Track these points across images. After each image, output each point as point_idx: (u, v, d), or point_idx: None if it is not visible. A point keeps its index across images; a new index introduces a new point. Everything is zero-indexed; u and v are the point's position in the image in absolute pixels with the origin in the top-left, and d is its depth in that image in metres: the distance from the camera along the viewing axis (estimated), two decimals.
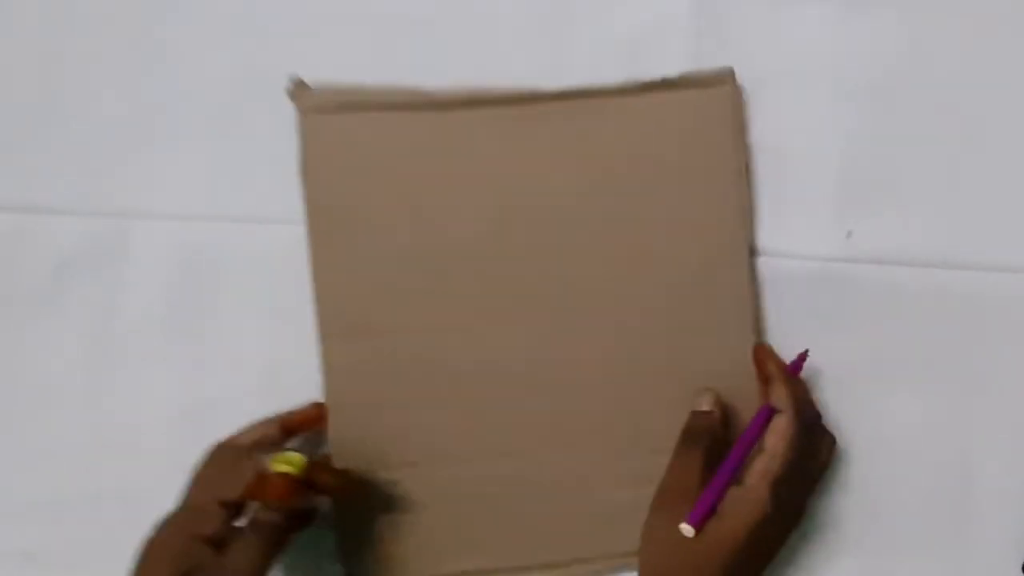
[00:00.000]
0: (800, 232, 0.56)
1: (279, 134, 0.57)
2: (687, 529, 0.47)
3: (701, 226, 0.55)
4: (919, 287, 0.55)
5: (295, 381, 0.55)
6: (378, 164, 0.55)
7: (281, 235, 0.57)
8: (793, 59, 0.56)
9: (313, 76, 0.57)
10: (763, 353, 0.53)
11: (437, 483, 0.55)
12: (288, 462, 0.48)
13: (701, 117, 0.55)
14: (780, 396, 0.51)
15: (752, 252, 0.56)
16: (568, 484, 0.55)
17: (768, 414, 0.51)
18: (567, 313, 0.55)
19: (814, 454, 0.52)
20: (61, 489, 0.57)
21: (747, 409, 0.55)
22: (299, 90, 0.55)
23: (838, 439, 0.55)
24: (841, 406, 0.55)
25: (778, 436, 0.50)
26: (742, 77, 0.56)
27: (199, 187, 0.57)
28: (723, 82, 0.55)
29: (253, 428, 0.53)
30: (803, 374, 0.54)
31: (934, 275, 0.55)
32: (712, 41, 0.56)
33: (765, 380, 0.53)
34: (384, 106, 0.55)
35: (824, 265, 0.55)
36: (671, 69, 0.56)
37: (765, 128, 0.56)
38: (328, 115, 0.55)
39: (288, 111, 0.57)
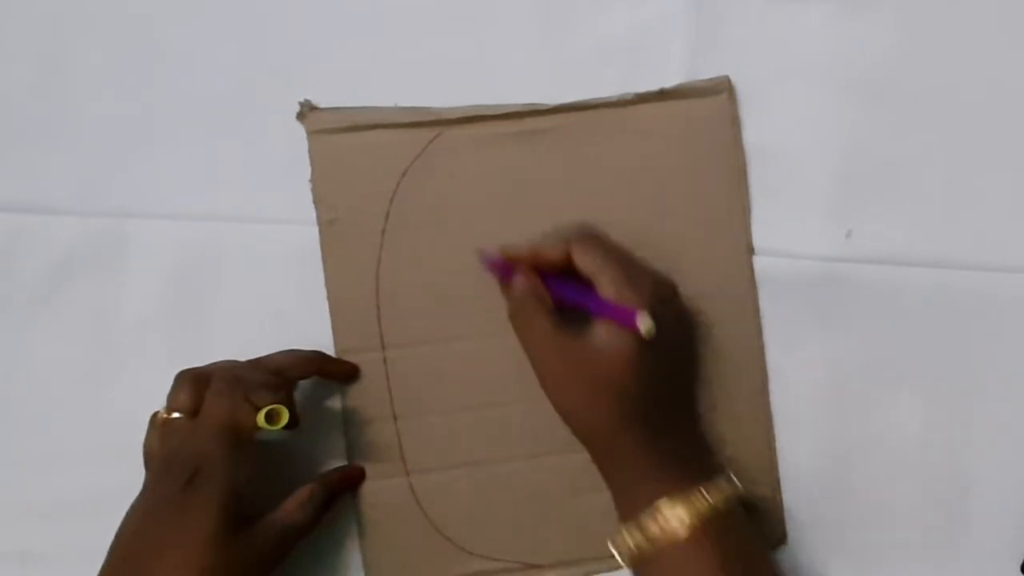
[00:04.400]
0: (800, 232, 0.56)
1: (279, 134, 0.57)
2: (649, 324, 0.47)
3: (701, 230, 0.56)
4: (919, 287, 0.55)
5: None
6: (385, 181, 0.56)
7: (281, 235, 0.57)
8: (792, 58, 0.56)
9: (312, 77, 0.57)
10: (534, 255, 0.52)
11: (454, 487, 0.56)
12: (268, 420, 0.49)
13: (699, 126, 0.56)
14: (553, 247, 0.51)
15: (752, 253, 0.56)
16: (580, 485, 0.55)
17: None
18: None
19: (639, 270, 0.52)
20: (61, 489, 0.57)
21: (749, 410, 0.55)
22: (307, 112, 0.57)
23: (836, 439, 0.55)
24: (841, 406, 0.55)
25: (587, 257, 0.50)
26: (741, 76, 0.56)
27: (199, 187, 0.58)
28: (719, 90, 0.56)
29: (285, 358, 0.54)
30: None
31: (934, 275, 0.55)
32: (710, 40, 0.56)
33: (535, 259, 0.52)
34: (389, 124, 0.57)
35: (824, 265, 0.55)
36: (670, 69, 0.56)
37: (765, 128, 0.56)
38: (335, 135, 0.56)
39: (288, 111, 0.57)
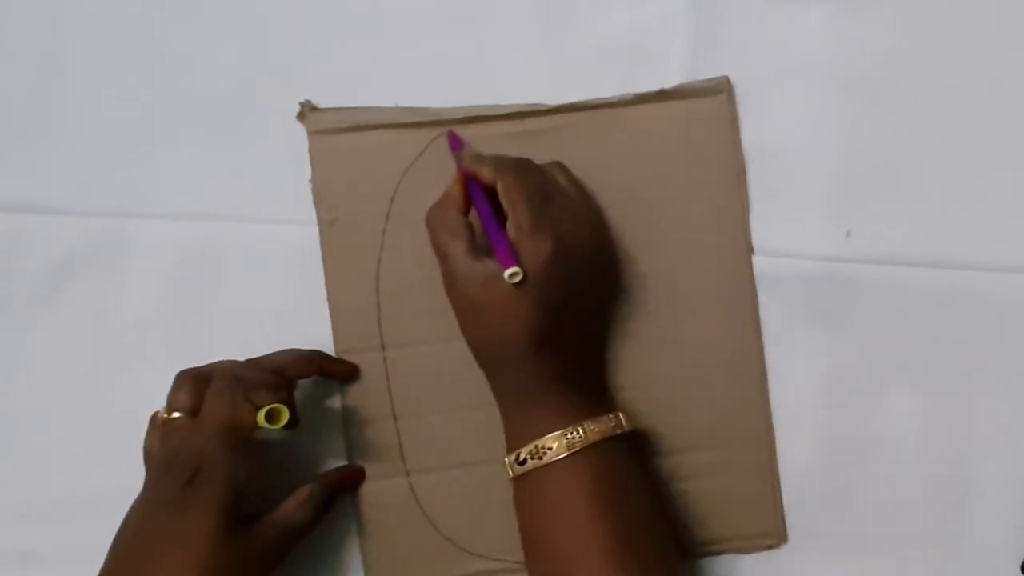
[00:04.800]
0: (799, 232, 0.56)
1: (279, 134, 0.57)
2: (514, 272, 0.48)
3: (701, 230, 0.56)
4: (919, 287, 0.55)
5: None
6: (386, 181, 0.56)
7: (281, 235, 0.57)
8: (792, 58, 0.56)
9: (312, 77, 0.57)
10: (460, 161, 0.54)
11: (454, 487, 0.56)
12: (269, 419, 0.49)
13: (698, 126, 0.56)
14: (485, 171, 0.52)
15: (751, 252, 0.56)
16: None
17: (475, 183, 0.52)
18: None
19: (550, 184, 0.53)
20: (61, 489, 0.57)
21: (749, 410, 0.55)
22: (308, 112, 0.57)
23: (836, 439, 0.55)
24: (841, 406, 0.55)
25: (505, 193, 0.51)
26: (741, 76, 0.56)
27: (199, 187, 0.58)
28: (719, 91, 0.56)
29: (285, 357, 0.54)
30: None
31: (934, 275, 0.55)
32: (710, 40, 0.56)
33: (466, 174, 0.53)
34: (389, 125, 0.57)
35: (823, 265, 0.55)
36: (669, 69, 0.56)
37: (764, 128, 0.56)
38: (335, 135, 0.57)
39: (288, 111, 0.57)
